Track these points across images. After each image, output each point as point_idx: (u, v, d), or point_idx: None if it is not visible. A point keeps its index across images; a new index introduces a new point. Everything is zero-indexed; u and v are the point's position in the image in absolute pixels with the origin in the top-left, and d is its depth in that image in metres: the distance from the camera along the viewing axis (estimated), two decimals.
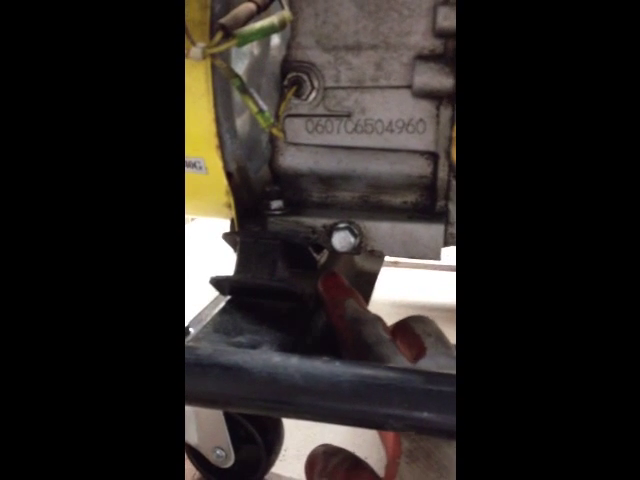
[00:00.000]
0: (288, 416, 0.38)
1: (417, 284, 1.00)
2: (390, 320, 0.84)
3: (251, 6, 0.39)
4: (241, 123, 0.47)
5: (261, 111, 0.40)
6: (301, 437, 0.54)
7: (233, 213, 0.49)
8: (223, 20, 0.38)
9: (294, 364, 0.35)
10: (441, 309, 0.88)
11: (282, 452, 0.50)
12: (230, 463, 0.45)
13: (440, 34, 0.42)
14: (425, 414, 0.33)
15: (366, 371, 0.35)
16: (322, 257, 0.50)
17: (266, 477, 0.48)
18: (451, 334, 0.78)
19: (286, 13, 0.40)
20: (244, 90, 0.39)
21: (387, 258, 1.06)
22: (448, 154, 0.46)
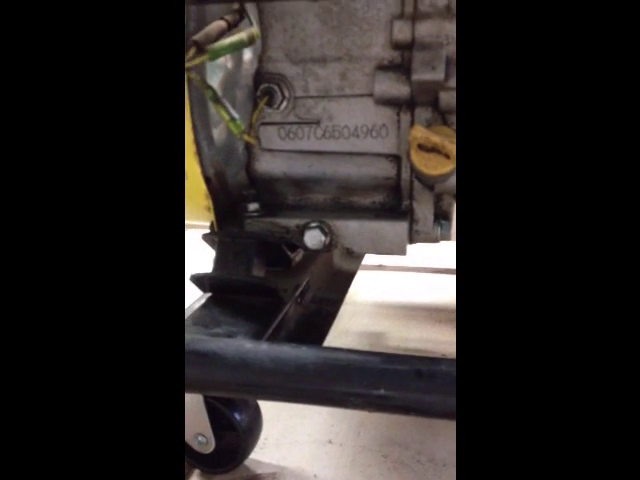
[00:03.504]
0: (259, 397, 0.42)
1: (400, 286, 1.03)
2: (374, 319, 0.87)
3: (222, 23, 0.43)
4: (218, 132, 0.51)
5: (233, 119, 0.43)
6: (281, 427, 0.56)
7: (212, 215, 0.52)
8: (196, 37, 0.42)
9: (264, 350, 0.38)
10: (421, 308, 0.92)
11: (263, 440, 0.53)
12: (211, 449, 0.48)
13: (397, 46, 0.46)
14: (382, 391, 0.36)
15: (329, 354, 0.38)
16: (297, 255, 0.54)
17: (246, 463, 0.51)
18: (431, 331, 0.81)
19: (254, 29, 0.44)
20: (217, 100, 0.43)
21: (372, 262, 1.10)
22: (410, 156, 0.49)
